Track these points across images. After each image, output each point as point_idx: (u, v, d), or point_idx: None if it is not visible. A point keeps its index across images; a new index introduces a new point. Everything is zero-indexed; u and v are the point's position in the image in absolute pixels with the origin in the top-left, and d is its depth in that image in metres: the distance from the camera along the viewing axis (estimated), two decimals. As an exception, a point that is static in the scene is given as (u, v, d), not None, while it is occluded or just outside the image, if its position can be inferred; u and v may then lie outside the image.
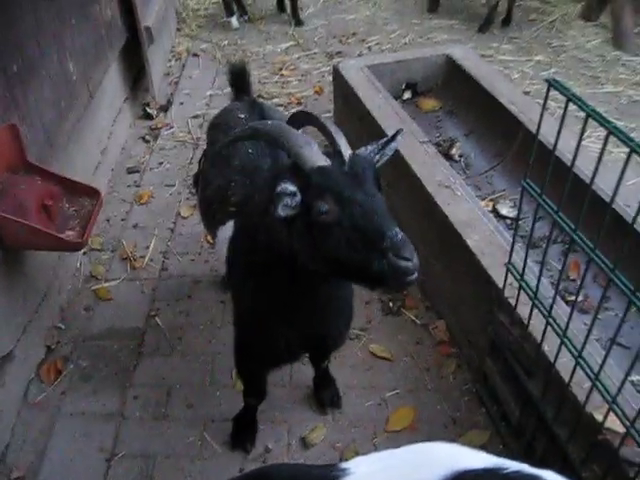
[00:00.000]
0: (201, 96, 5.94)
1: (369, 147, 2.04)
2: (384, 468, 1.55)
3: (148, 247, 4.11)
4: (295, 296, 2.20)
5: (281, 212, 1.81)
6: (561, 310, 2.46)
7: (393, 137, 2.09)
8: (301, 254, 1.94)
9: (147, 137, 5.31)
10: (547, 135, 2.71)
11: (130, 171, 4.89)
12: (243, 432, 2.97)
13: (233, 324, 2.64)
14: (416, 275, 1.74)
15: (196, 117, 5.55)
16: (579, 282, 3.12)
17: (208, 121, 5.34)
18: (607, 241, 1.99)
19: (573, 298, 2.98)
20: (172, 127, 5.45)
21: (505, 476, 1.41)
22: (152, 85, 5.63)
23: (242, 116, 2.87)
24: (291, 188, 1.80)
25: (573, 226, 2.07)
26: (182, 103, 5.84)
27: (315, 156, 1.83)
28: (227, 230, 2.53)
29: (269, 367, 2.69)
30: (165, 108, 5.71)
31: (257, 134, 1.99)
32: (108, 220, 4.35)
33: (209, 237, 3.11)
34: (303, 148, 1.84)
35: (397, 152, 3.46)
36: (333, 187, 1.79)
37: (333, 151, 1.90)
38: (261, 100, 3.22)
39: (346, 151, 1.89)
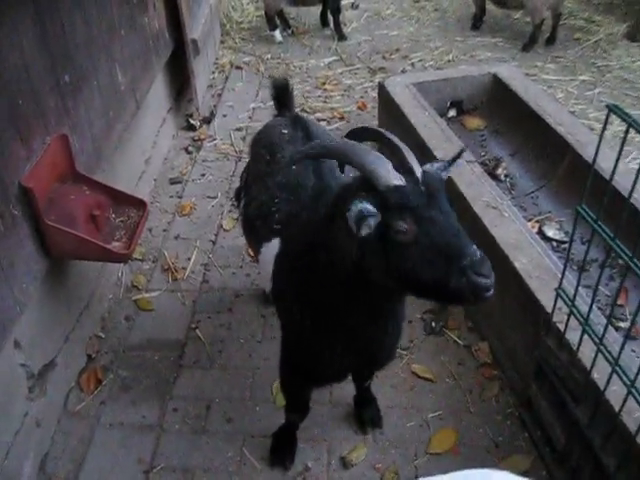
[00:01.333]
0: (244, 109, 5.97)
1: (435, 164, 2.00)
2: None
3: (189, 259, 4.12)
4: (352, 314, 2.18)
5: (363, 233, 1.80)
6: (610, 336, 2.40)
7: (458, 155, 2.05)
8: (373, 271, 1.93)
9: (190, 148, 5.35)
10: (598, 160, 2.66)
11: (172, 182, 4.92)
12: (282, 449, 2.95)
13: (281, 341, 2.62)
14: (492, 291, 1.77)
15: (239, 130, 5.58)
16: (627, 308, 3.11)
17: (251, 134, 5.40)
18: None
19: (621, 324, 2.95)
20: (215, 139, 5.48)
21: None
22: (196, 96, 5.67)
23: (285, 132, 2.85)
24: (371, 209, 1.78)
25: (630, 253, 2.03)
26: (225, 115, 5.87)
27: (391, 175, 1.80)
28: (273, 247, 2.51)
29: (316, 385, 2.68)
30: (208, 120, 5.75)
31: (328, 152, 1.99)
32: (150, 230, 4.37)
33: (252, 252, 3.10)
34: (378, 166, 1.81)
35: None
36: (412, 207, 1.77)
37: (403, 168, 1.86)
38: (304, 114, 3.22)
39: (417, 169, 1.87)
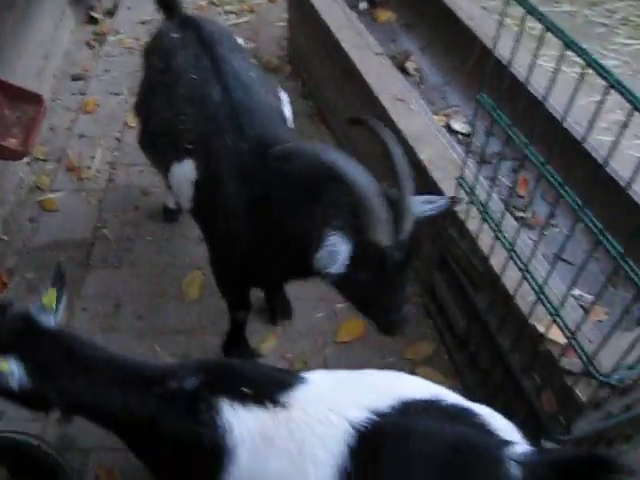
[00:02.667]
0: (150, 1, 5.66)
1: (426, 206, 2.17)
2: (339, 386, 1.64)
3: (94, 157, 4.00)
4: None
5: (327, 269, 1.91)
6: (509, 226, 2.48)
7: (451, 200, 2.26)
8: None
9: (92, 43, 5.08)
10: (503, 52, 2.67)
11: (75, 78, 4.69)
12: (237, 349, 2.96)
13: (208, 248, 2.66)
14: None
15: (144, 23, 5.31)
16: (527, 199, 3.20)
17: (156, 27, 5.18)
18: (557, 161, 2.01)
19: (521, 214, 3.04)
20: (119, 33, 5.22)
21: (443, 408, 1.61)
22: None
23: (176, 36, 2.67)
24: (344, 256, 1.91)
25: (526, 140, 2.07)
26: (129, 8, 5.56)
27: (385, 236, 1.89)
28: (187, 169, 2.43)
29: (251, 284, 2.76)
30: (111, 12, 5.46)
31: (345, 180, 1.89)
32: (52, 129, 4.20)
33: (154, 167, 3.04)
34: (380, 223, 1.87)
35: (351, 64, 3.45)
36: (379, 269, 1.94)
37: (394, 211, 1.92)
38: (191, 13, 3.04)
39: (408, 222, 1.96)
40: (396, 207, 1.93)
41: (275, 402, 1.64)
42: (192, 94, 2.44)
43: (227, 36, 2.74)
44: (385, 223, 1.87)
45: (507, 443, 1.53)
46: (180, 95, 2.48)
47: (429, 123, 3.08)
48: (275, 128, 2.39)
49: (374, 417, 1.56)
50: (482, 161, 2.45)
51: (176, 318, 3.12)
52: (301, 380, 1.70)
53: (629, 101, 1.64)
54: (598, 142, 2.91)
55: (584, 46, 1.79)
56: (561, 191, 1.92)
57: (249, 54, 3.50)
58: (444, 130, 3.15)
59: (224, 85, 2.40)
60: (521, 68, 3.08)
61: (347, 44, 3.58)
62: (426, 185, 2.86)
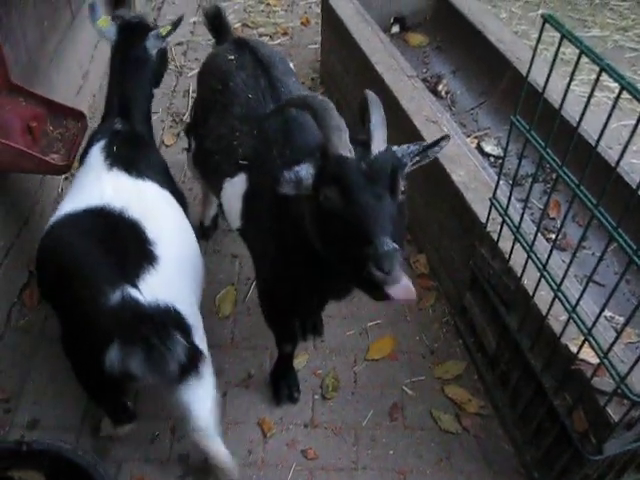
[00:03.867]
0: (184, 23, 5.78)
1: (411, 147, 2.02)
2: None
3: (131, 174, 4.08)
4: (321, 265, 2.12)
5: (284, 190, 1.86)
6: (541, 247, 2.51)
7: (437, 142, 2.07)
8: (309, 232, 1.98)
9: (129, 63, 5.20)
10: (534, 75, 2.72)
11: (112, 97, 4.80)
12: (285, 382, 2.96)
13: (256, 277, 2.68)
14: (398, 290, 1.70)
15: (179, 44, 5.43)
16: (559, 221, 3.23)
17: (192, 49, 5.31)
18: (589, 183, 2.04)
19: (552, 236, 3.07)
20: (155, 54, 5.33)
21: None
22: (134, 10, 5.49)
23: (232, 57, 2.73)
24: (303, 172, 1.85)
25: (559, 162, 2.11)
26: (165, 30, 5.69)
27: (342, 144, 1.81)
28: (238, 183, 2.47)
29: (296, 317, 2.78)
30: (148, 34, 5.59)
31: (306, 106, 1.92)
32: (90, 146, 4.29)
33: (206, 187, 3.12)
34: (334, 133, 1.81)
35: (384, 86, 3.51)
36: (342, 179, 1.78)
37: (363, 139, 1.86)
38: (246, 37, 3.12)
39: (378, 145, 1.84)
40: (366, 132, 1.88)
41: None
42: (248, 112, 2.51)
43: (281, 59, 2.79)
44: (343, 132, 1.81)
45: None
46: (236, 114, 2.54)
47: (461, 145, 3.12)
48: (310, 137, 2.38)
49: None
50: (514, 182, 2.48)
51: (209, 333, 3.15)
52: None
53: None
54: (630, 165, 2.94)
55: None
56: (595, 212, 1.95)
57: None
58: (476, 151, 3.19)
59: (277, 103, 2.48)
60: (553, 93, 3.14)
61: (381, 67, 3.65)
62: (460, 206, 2.91)
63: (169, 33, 2.90)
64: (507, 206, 2.50)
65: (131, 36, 2.89)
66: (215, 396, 2.41)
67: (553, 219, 3.23)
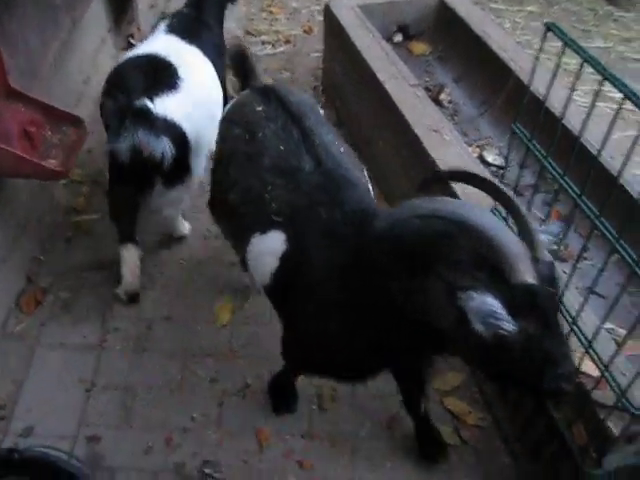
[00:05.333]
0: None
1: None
2: None
3: (130, 181, 4.06)
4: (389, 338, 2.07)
5: (486, 332, 1.64)
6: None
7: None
8: (454, 341, 1.84)
9: (131, 70, 5.19)
10: (537, 84, 2.70)
11: (113, 104, 4.79)
12: (284, 395, 2.93)
13: (283, 334, 2.58)
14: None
15: (182, 51, 5.43)
16: (561, 232, 3.20)
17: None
18: (591, 194, 2.02)
19: (554, 247, 3.03)
20: (157, 60, 5.32)
21: None
22: (137, 16, 5.49)
23: (260, 108, 2.59)
24: (501, 312, 1.62)
25: (561, 172, 2.09)
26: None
27: (528, 271, 1.65)
28: (272, 241, 2.31)
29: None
30: (150, 40, 5.60)
31: (462, 225, 1.72)
32: (89, 152, 4.27)
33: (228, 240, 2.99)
34: (521, 261, 1.64)
35: (386, 94, 3.50)
36: (542, 310, 1.67)
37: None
38: (275, 83, 3.16)
39: (544, 253, 1.75)
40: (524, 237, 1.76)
41: None
42: (281, 165, 2.38)
43: (312, 107, 2.68)
44: (527, 259, 1.66)
45: None
46: (267, 165, 2.40)
47: (463, 154, 3.11)
48: (366, 200, 2.31)
49: None
50: (516, 192, 2.46)
51: (207, 341, 3.14)
52: None
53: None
54: (633, 177, 2.91)
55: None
56: (596, 222, 1.93)
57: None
58: (478, 161, 3.17)
59: (314, 156, 2.35)
60: (555, 103, 3.11)
61: (383, 75, 3.64)
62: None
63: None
64: (507, 216, 2.48)
65: None
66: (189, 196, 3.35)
67: (555, 229, 3.20)
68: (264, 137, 2.47)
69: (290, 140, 2.42)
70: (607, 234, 1.89)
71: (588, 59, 1.91)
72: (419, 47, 4.55)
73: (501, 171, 3.53)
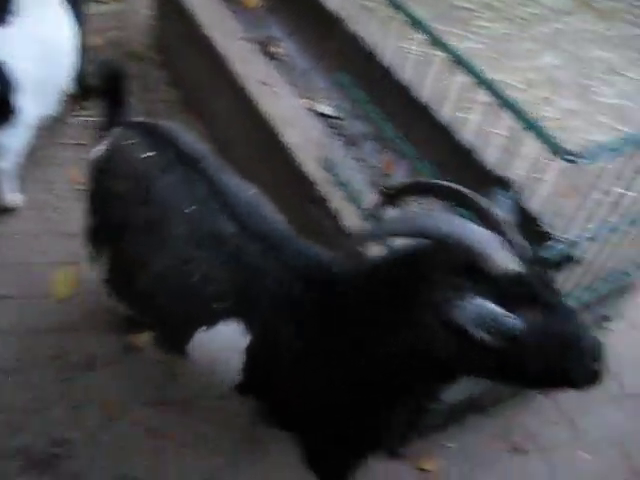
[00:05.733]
0: None
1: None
2: None
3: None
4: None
5: (486, 338, 1.46)
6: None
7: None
8: (466, 365, 1.63)
9: None
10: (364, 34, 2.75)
11: None
12: None
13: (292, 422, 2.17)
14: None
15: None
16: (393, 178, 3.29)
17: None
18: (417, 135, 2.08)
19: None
20: None
21: None
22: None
23: (150, 154, 2.07)
24: (494, 309, 1.45)
25: (382, 116, 2.13)
26: None
27: (508, 257, 1.48)
28: (226, 335, 1.90)
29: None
30: None
31: (421, 232, 1.54)
32: None
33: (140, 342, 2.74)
34: (492, 247, 1.47)
35: (215, 50, 3.43)
36: (537, 295, 1.51)
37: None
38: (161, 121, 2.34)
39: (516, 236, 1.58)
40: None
41: None
42: (197, 232, 1.94)
43: (202, 149, 2.21)
44: (497, 243, 1.50)
45: None
46: (179, 235, 1.94)
47: (295, 106, 3.11)
48: (302, 246, 2.00)
49: None
50: (351, 143, 2.49)
51: (47, 318, 3.01)
52: None
53: (471, 73, 1.72)
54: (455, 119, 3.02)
55: (451, 29, 1.85)
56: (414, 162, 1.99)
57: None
58: (311, 113, 3.18)
59: (233, 215, 1.95)
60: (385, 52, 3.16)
61: (210, 29, 3.56)
62: (293, 168, 2.89)
63: None
64: (336, 166, 2.51)
65: None
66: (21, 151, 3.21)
67: (388, 175, 3.27)
68: (163, 195, 1.98)
69: (198, 196, 1.97)
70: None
71: (398, 6, 1.95)
72: (252, 0, 4.47)
73: (336, 121, 3.57)
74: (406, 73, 3.06)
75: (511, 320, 1.44)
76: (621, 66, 5.45)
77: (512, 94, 4.75)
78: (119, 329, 2.94)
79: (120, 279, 2.17)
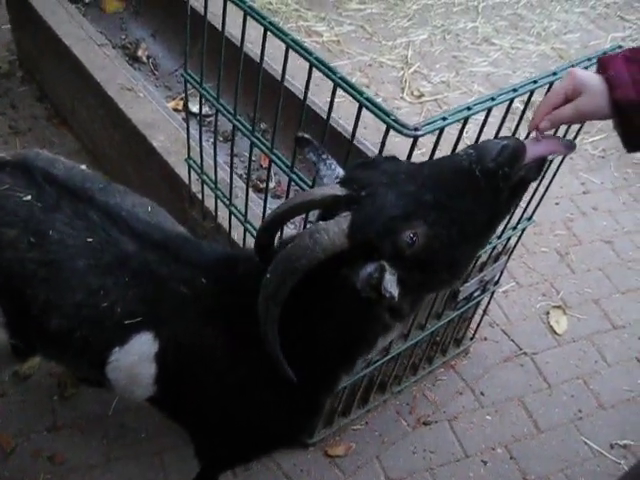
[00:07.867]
0: None
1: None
2: None
3: None
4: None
5: (394, 292, 1.43)
6: (254, 199, 2.53)
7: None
8: (405, 307, 1.60)
9: None
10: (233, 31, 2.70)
11: None
12: None
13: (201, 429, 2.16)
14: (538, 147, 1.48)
15: None
16: (272, 170, 3.27)
17: None
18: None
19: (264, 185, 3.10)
20: None
21: None
22: None
23: (28, 197, 1.94)
24: (375, 266, 1.43)
25: (233, 112, 2.11)
26: None
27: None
28: (139, 347, 1.89)
29: None
30: None
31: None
32: None
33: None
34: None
35: (75, 59, 3.32)
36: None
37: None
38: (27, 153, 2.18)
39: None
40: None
41: None
42: (101, 261, 1.89)
43: (83, 173, 2.14)
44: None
45: None
46: (83, 270, 1.89)
47: (160, 109, 3.05)
48: (200, 244, 2.06)
49: None
50: (225, 140, 2.46)
51: None
52: None
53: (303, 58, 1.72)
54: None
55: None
56: (271, 156, 1.98)
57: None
58: (175, 114, 3.14)
59: (131, 233, 1.93)
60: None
61: (69, 39, 3.44)
62: (164, 172, 2.84)
63: None
64: (201, 164, 2.47)
65: None
66: None
67: (266, 169, 3.26)
68: (60, 235, 1.91)
69: (93, 226, 1.92)
70: (281, 165, 1.95)
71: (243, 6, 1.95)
72: (112, 5, 4.35)
73: (208, 119, 3.52)
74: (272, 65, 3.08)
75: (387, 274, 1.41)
76: (491, 35, 5.59)
77: (390, 73, 4.93)
78: (3, 360, 2.81)
79: (29, 326, 2.05)
